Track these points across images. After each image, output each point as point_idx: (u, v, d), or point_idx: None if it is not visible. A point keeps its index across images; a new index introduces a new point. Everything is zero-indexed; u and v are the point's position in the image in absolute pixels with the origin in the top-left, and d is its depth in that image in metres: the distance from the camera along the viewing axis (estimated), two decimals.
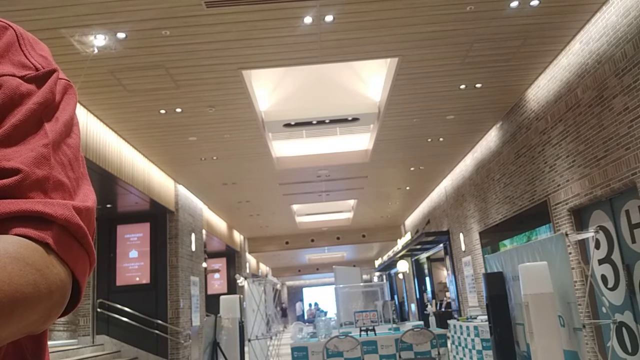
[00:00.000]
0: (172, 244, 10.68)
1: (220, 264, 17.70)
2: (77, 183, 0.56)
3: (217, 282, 17.51)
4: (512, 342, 6.55)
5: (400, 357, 7.12)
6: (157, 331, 10.08)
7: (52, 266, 0.48)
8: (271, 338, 10.58)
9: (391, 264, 21.46)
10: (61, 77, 0.60)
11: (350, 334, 7.08)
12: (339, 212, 17.99)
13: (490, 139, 9.62)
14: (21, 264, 0.45)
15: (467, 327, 7.79)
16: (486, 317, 7.11)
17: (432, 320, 8.86)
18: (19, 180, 0.49)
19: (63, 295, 0.50)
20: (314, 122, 8.86)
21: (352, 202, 16.34)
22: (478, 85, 7.54)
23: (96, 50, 5.74)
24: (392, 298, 24.54)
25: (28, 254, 0.46)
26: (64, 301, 0.51)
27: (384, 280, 25.46)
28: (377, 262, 27.15)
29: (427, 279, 18.61)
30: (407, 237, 17.60)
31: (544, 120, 7.35)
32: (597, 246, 6.18)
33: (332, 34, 5.91)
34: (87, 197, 0.56)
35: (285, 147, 10.76)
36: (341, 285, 11.28)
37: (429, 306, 12.83)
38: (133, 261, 10.64)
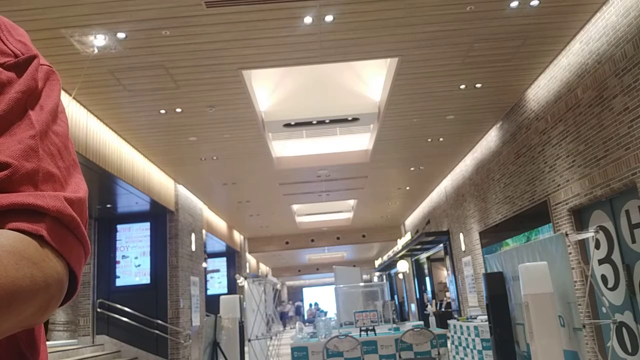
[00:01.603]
0: (172, 244, 10.68)
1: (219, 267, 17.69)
2: (68, 172, 0.56)
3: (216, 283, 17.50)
4: (512, 342, 6.55)
5: (400, 357, 7.12)
6: (157, 331, 10.08)
7: (47, 259, 0.48)
8: (271, 338, 10.59)
9: (391, 264, 21.46)
10: (42, 63, 0.59)
11: (350, 334, 7.08)
12: (339, 212, 17.99)
13: (490, 139, 9.62)
14: (17, 258, 0.45)
15: (467, 327, 7.79)
16: (486, 317, 7.11)
17: (432, 320, 8.86)
18: (8, 174, 0.49)
19: (60, 287, 0.50)
20: (314, 122, 8.86)
21: (352, 202, 16.34)
22: (478, 85, 7.54)
23: (96, 50, 5.74)
24: (392, 298, 24.54)
25: (23, 247, 0.46)
26: (61, 293, 0.51)
27: (384, 280, 25.46)
28: (377, 262, 27.15)
29: (427, 279, 18.61)
30: (407, 237, 17.61)
31: (544, 120, 7.35)
32: (597, 246, 6.18)
33: (332, 34, 5.91)
34: (79, 187, 0.56)
35: (285, 147, 10.76)
36: (341, 285, 11.28)
37: (429, 306, 12.83)
38: (133, 261, 10.63)
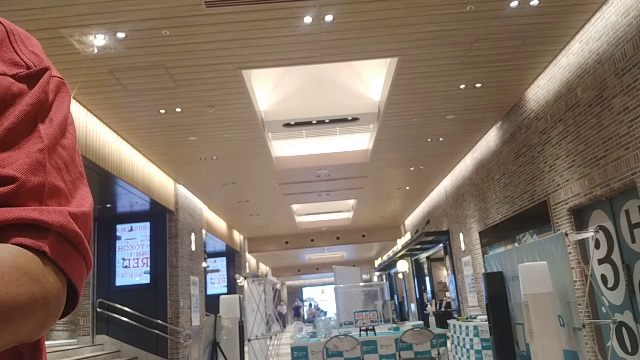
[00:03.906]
0: (172, 244, 10.68)
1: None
2: (74, 185, 0.56)
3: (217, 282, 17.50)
4: (512, 342, 6.55)
5: (400, 357, 7.12)
6: (157, 331, 10.08)
7: (49, 275, 0.48)
8: (271, 338, 10.59)
9: (391, 264, 21.46)
10: (54, 75, 0.59)
11: (350, 334, 7.08)
12: (339, 212, 17.99)
13: (490, 139, 9.62)
14: (19, 274, 0.45)
15: (467, 327, 7.79)
16: (486, 317, 7.11)
17: (432, 320, 8.86)
18: (15, 188, 0.49)
19: (59, 304, 0.50)
20: (314, 122, 8.86)
21: (352, 202, 16.34)
22: (478, 85, 7.54)
23: (96, 50, 5.74)
24: (392, 298, 24.54)
25: (26, 263, 0.46)
26: (60, 310, 0.51)
27: (384, 280, 25.46)
28: (377, 262, 27.15)
29: (427, 279, 18.61)
30: (407, 237, 17.61)
31: (544, 120, 7.35)
32: (597, 246, 6.18)
33: (332, 34, 5.91)
34: (84, 200, 0.56)
35: (285, 147, 10.76)
36: (341, 285, 11.28)
37: (429, 306, 12.83)
38: (133, 261, 10.63)
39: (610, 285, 6.09)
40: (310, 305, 34.35)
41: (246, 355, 8.93)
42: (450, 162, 11.72)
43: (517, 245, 8.58)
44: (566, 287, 5.27)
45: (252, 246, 20.54)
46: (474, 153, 10.69)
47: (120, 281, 10.49)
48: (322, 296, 36.37)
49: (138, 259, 10.65)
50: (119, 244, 10.72)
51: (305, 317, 31.24)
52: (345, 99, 8.52)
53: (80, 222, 0.53)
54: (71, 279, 0.51)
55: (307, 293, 38.77)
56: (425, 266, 18.51)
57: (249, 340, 8.70)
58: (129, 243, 10.72)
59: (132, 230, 10.79)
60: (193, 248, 11.69)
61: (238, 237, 18.49)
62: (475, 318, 8.23)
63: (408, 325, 8.67)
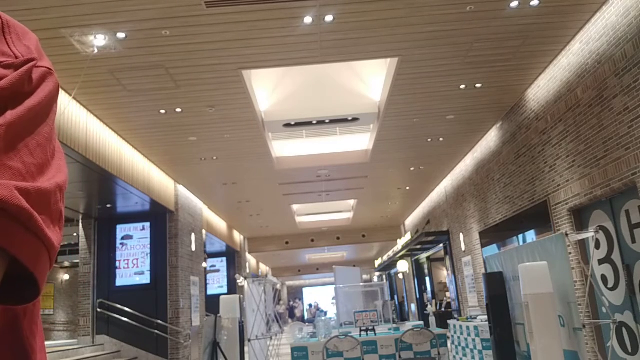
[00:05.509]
0: (172, 244, 10.68)
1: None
2: (39, 170, 0.51)
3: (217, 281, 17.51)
4: (512, 342, 6.55)
5: (400, 357, 7.12)
6: (157, 331, 10.08)
7: None
8: (271, 338, 10.59)
9: (391, 264, 21.45)
10: (39, 65, 0.56)
11: (350, 334, 7.08)
12: (339, 212, 17.99)
13: (490, 139, 9.62)
14: None
15: (467, 327, 7.79)
16: (486, 317, 7.11)
17: (432, 320, 8.86)
18: None
19: None
20: (314, 122, 8.86)
21: (352, 202, 16.34)
22: (478, 85, 7.54)
23: (96, 50, 5.74)
24: (392, 298, 24.55)
25: None
26: None
27: (384, 280, 25.46)
28: (377, 262, 27.15)
29: (427, 279, 18.61)
30: (407, 237, 17.60)
31: (544, 120, 7.35)
32: (597, 246, 6.18)
33: (332, 34, 5.91)
34: (48, 179, 0.51)
35: (285, 147, 10.77)
36: (341, 285, 11.28)
37: (429, 306, 12.82)
38: (133, 261, 10.63)
39: (610, 285, 6.09)
40: (310, 305, 34.34)
41: (246, 355, 8.93)
42: (450, 162, 11.72)
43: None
44: (566, 287, 5.28)
45: (252, 246, 20.54)
46: (474, 153, 10.69)
47: (120, 281, 10.49)
48: (319, 296, 36.34)
49: (139, 259, 10.65)
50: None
51: (306, 317, 31.23)
52: (345, 99, 8.52)
53: (34, 198, 0.47)
54: (20, 259, 0.46)
55: (307, 293, 38.76)
56: (425, 266, 18.51)
57: (249, 340, 8.71)
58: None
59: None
60: (193, 248, 11.69)
61: (238, 237, 18.49)
62: (475, 318, 8.23)
63: (408, 325, 8.66)
